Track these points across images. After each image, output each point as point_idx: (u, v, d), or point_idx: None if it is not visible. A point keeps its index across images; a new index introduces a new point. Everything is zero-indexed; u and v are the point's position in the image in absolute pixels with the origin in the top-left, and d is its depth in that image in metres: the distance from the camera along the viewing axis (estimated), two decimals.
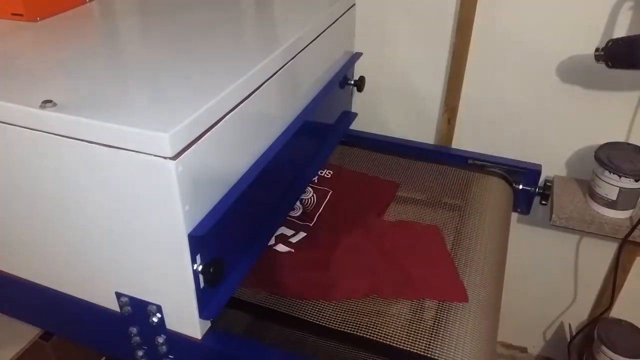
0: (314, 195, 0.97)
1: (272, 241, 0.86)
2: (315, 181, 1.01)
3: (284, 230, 0.89)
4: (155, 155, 0.55)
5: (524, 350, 1.36)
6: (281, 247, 0.85)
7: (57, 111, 0.58)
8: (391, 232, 0.89)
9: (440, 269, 0.82)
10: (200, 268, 0.62)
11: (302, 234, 0.88)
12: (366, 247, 0.85)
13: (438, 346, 0.70)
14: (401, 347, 0.70)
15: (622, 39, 0.86)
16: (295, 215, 0.92)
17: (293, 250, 0.85)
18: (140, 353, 0.75)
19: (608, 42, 0.87)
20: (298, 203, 0.95)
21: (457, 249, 0.86)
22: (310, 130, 0.90)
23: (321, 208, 0.94)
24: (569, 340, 1.23)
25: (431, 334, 0.72)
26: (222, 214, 0.63)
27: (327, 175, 1.03)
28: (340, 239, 0.86)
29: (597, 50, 0.89)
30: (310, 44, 0.85)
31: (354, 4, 1.05)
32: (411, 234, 0.89)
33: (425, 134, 1.17)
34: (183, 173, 0.56)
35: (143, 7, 0.95)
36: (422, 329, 0.73)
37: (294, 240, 0.87)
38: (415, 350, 0.70)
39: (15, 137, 0.61)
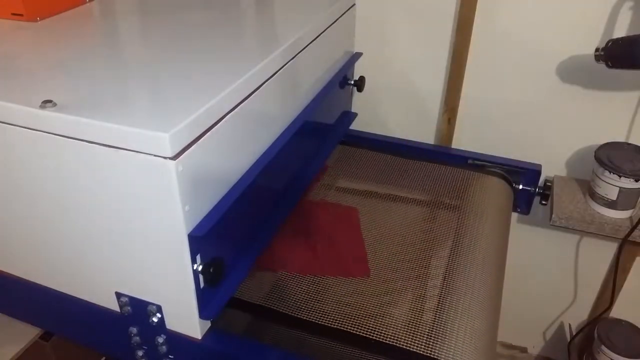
0: None
1: None
2: None
3: None
4: (155, 155, 0.55)
5: (524, 350, 1.36)
6: None
7: (57, 111, 0.58)
8: (313, 212, 0.95)
9: (349, 247, 0.87)
10: (200, 268, 0.62)
11: None
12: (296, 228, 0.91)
13: (438, 346, 0.70)
14: (401, 346, 0.70)
15: (622, 39, 0.86)
16: None
17: None
18: (140, 353, 0.75)
19: (608, 42, 0.87)
20: None
21: (457, 249, 0.86)
22: (310, 130, 0.90)
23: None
24: (569, 340, 1.23)
25: (431, 333, 0.72)
26: (222, 214, 0.63)
27: None
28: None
29: (597, 50, 0.89)
30: (310, 44, 0.85)
31: (354, 4, 1.05)
32: (331, 215, 0.95)
33: (425, 134, 1.17)
34: (183, 173, 0.56)
35: (143, 7, 0.95)
36: (422, 328, 0.73)
37: None
38: (415, 350, 0.70)
39: (15, 137, 0.61)
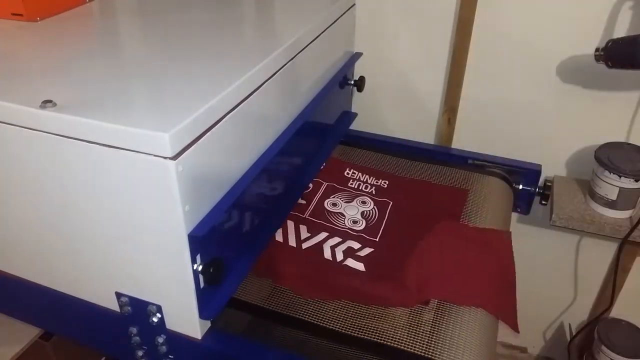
0: (375, 207, 0.94)
1: (341, 256, 0.83)
2: (373, 192, 0.98)
3: (350, 244, 0.86)
4: (155, 155, 0.55)
5: (524, 350, 1.36)
6: (352, 262, 0.82)
7: (57, 111, 0.58)
8: (460, 236, 0.87)
9: (497, 283, 0.80)
10: (200, 268, 0.62)
11: (369, 249, 0.85)
12: (433, 253, 0.83)
13: (438, 347, 0.70)
14: (401, 347, 0.70)
15: (622, 39, 0.86)
16: (359, 228, 0.89)
17: (365, 267, 0.81)
18: (140, 353, 0.75)
19: (608, 42, 0.87)
20: (359, 216, 0.92)
21: None
22: (310, 130, 0.90)
23: (384, 221, 0.91)
24: (569, 340, 1.23)
25: (431, 334, 0.72)
26: (222, 214, 0.63)
27: (384, 185, 1.00)
28: (408, 251, 0.83)
29: (597, 50, 0.89)
30: (310, 44, 0.85)
31: (354, 4, 1.05)
32: (482, 240, 0.86)
33: (425, 134, 1.17)
34: (183, 173, 0.56)
35: (143, 7, 0.95)
36: (422, 329, 0.73)
37: (362, 254, 0.84)
38: (414, 351, 0.70)
39: (15, 137, 0.61)
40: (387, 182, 1.01)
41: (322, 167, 1.03)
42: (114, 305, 0.72)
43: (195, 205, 0.60)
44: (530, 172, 1.07)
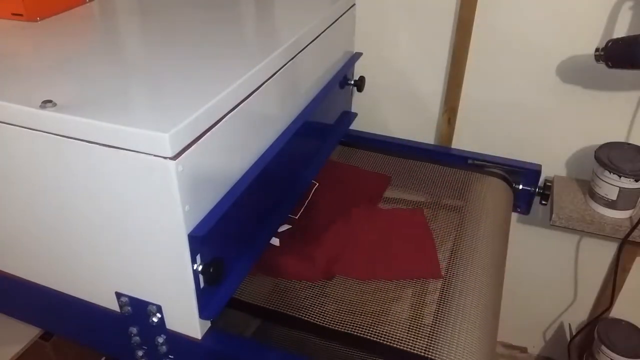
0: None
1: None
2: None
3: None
4: (155, 155, 0.55)
5: (524, 350, 1.36)
6: (273, 240, 0.87)
7: (57, 111, 0.58)
8: (375, 218, 0.91)
9: (420, 250, 0.85)
10: (200, 268, 0.62)
11: (286, 226, 0.90)
12: (347, 233, 0.88)
13: (438, 346, 0.70)
14: (401, 347, 0.70)
15: (622, 39, 0.86)
16: None
17: (278, 240, 0.87)
18: (140, 353, 0.75)
19: (608, 42, 0.87)
20: None
21: (457, 249, 0.86)
22: (310, 130, 0.90)
23: (306, 201, 0.95)
24: (569, 340, 1.23)
25: (431, 334, 0.72)
26: (222, 214, 0.63)
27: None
28: (323, 230, 0.88)
29: (597, 50, 0.89)
30: (310, 44, 0.85)
31: (354, 4, 1.05)
32: (395, 219, 0.92)
33: (425, 134, 1.17)
34: (183, 173, 0.56)
35: (143, 7, 0.95)
36: (422, 329, 0.73)
37: (279, 230, 0.89)
38: (414, 351, 0.70)
39: (15, 137, 0.61)
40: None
41: None
42: (114, 305, 0.71)
43: (195, 205, 0.60)
44: (530, 172, 1.07)
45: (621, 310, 1.15)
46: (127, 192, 0.59)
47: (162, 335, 0.70)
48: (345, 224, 0.89)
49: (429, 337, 0.72)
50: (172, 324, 0.69)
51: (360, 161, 1.09)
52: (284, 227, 0.89)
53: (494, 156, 1.09)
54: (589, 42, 0.94)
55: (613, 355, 1.07)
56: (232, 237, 0.69)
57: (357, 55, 1.10)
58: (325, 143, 1.02)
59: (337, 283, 0.81)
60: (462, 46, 1.03)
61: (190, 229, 0.60)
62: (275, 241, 0.87)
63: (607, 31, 0.93)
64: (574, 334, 1.23)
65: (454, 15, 1.02)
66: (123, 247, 0.65)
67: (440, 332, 0.72)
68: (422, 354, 0.69)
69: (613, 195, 0.94)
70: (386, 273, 0.82)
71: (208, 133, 0.60)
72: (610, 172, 0.92)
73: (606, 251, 1.13)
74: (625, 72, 0.94)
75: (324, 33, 0.90)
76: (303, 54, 0.82)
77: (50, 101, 0.58)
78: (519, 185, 1.07)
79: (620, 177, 0.91)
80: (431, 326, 0.73)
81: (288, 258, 0.83)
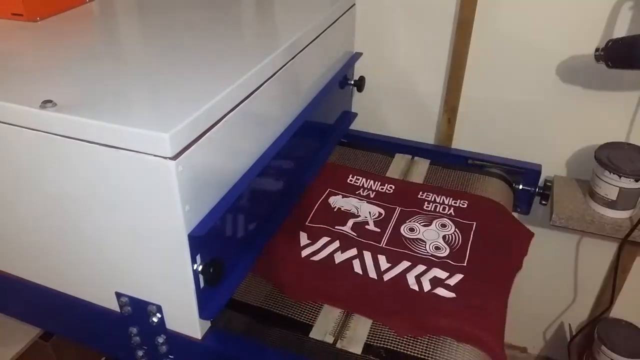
0: (456, 230, 0.88)
1: (429, 286, 0.77)
2: (453, 214, 0.91)
3: (436, 272, 0.79)
4: (155, 155, 0.55)
5: (524, 350, 1.36)
6: (442, 292, 0.76)
7: (57, 111, 0.58)
8: None
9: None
10: (200, 268, 0.62)
11: (459, 276, 0.78)
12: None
13: (438, 347, 0.70)
14: (401, 349, 0.70)
15: (622, 39, 0.86)
16: (443, 255, 0.82)
17: (455, 295, 0.75)
18: (140, 353, 0.75)
19: (608, 42, 0.87)
20: (442, 242, 0.85)
21: None
22: (310, 130, 0.90)
23: (469, 244, 0.85)
24: (569, 340, 1.23)
25: (431, 335, 0.72)
26: (222, 214, 0.63)
27: (463, 205, 0.93)
28: (499, 284, 0.78)
29: (597, 50, 0.89)
30: (310, 44, 0.85)
31: (354, 4, 1.05)
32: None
33: (425, 134, 1.17)
34: (183, 173, 0.56)
35: (143, 7, 0.95)
36: None
37: (451, 282, 0.77)
38: (415, 354, 0.70)
39: (15, 137, 0.61)
40: (466, 202, 0.94)
41: (390, 191, 0.96)
42: (114, 305, 0.71)
43: (195, 205, 0.60)
44: (530, 172, 1.07)
45: (621, 310, 1.15)
46: (127, 192, 0.59)
47: (162, 335, 0.71)
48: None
49: (428, 337, 0.72)
50: (172, 324, 0.69)
51: (361, 161, 1.09)
52: (457, 278, 0.78)
53: (494, 156, 1.09)
54: (589, 42, 0.94)
55: (613, 355, 1.07)
56: (232, 237, 0.69)
57: (357, 55, 1.10)
58: (325, 143, 1.02)
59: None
60: (462, 46, 1.03)
61: (190, 229, 0.60)
62: (445, 293, 0.75)
63: (607, 31, 0.93)
64: (574, 334, 1.22)
65: (454, 15, 1.02)
66: (123, 247, 0.65)
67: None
68: (422, 356, 0.69)
69: (613, 195, 0.94)
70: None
71: (208, 133, 0.60)
72: (610, 172, 0.92)
73: (606, 251, 1.13)
74: (625, 72, 0.94)
75: (324, 33, 0.90)
76: (303, 54, 0.82)
77: (50, 101, 0.58)
78: (519, 185, 1.07)
79: (620, 177, 0.91)
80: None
81: (474, 318, 0.72)
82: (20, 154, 0.63)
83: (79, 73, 0.68)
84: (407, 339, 0.71)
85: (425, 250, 0.83)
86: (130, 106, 0.60)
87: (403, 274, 0.79)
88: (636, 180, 0.91)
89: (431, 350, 0.70)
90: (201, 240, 0.60)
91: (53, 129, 0.58)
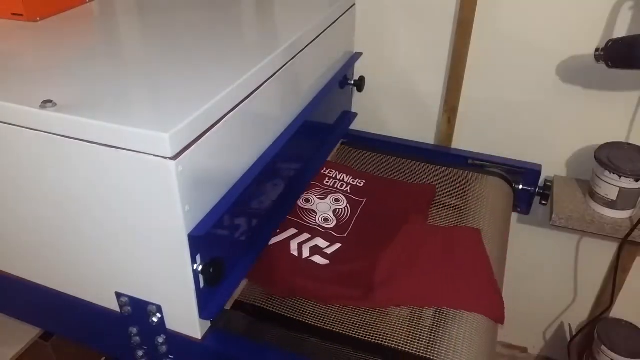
0: (348, 205, 0.94)
1: (307, 253, 0.83)
2: (348, 191, 0.98)
3: (318, 241, 0.86)
4: (155, 155, 0.55)
5: (524, 350, 1.36)
6: (318, 259, 0.82)
7: (57, 111, 0.58)
8: (428, 237, 0.86)
9: (480, 279, 0.79)
10: (200, 268, 0.62)
11: (337, 245, 0.85)
12: (401, 255, 0.82)
13: (437, 347, 0.70)
14: (401, 348, 0.70)
15: (622, 39, 0.86)
16: (329, 226, 0.89)
17: (329, 262, 0.82)
18: (140, 353, 0.75)
19: (608, 42, 0.87)
20: (332, 214, 0.91)
21: None
22: (310, 130, 0.90)
23: (355, 218, 0.91)
24: (569, 340, 1.23)
25: (431, 334, 0.72)
26: (222, 214, 0.63)
27: (360, 184, 1.00)
28: (376, 249, 0.83)
29: (597, 50, 0.89)
30: (310, 44, 0.85)
31: (354, 4, 1.05)
32: (451, 239, 0.86)
33: (425, 134, 1.17)
34: (183, 173, 0.56)
35: (143, 7, 0.95)
36: (422, 329, 0.73)
37: (329, 251, 0.84)
38: (414, 352, 0.70)
39: (15, 137, 0.61)
40: (363, 181, 1.01)
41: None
42: (114, 305, 0.72)
43: (195, 205, 0.60)
44: (530, 172, 1.07)
45: (621, 310, 1.15)
46: (127, 192, 0.59)
47: (162, 335, 0.71)
48: (396, 243, 0.84)
49: (428, 337, 0.72)
50: (172, 324, 0.69)
51: (361, 161, 1.09)
52: (335, 247, 0.85)
53: (494, 156, 1.09)
54: (589, 42, 0.94)
55: (613, 355, 1.07)
56: (232, 237, 0.69)
57: (357, 55, 1.10)
58: (325, 143, 1.02)
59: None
60: (462, 46, 1.03)
61: (190, 229, 0.60)
62: (320, 260, 0.82)
63: (607, 31, 0.93)
64: (574, 334, 1.23)
65: (454, 15, 1.02)
66: (123, 247, 0.65)
67: (440, 332, 0.72)
68: (422, 354, 0.69)
69: (613, 195, 0.94)
70: (444, 302, 0.75)
71: (208, 133, 0.60)
72: (610, 172, 0.92)
73: (606, 251, 1.13)
74: (625, 72, 0.94)
75: (324, 33, 0.90)
76: (303, 54, 0.82)
77: (50, 101, 0.58)
78: (519, 185, 1.07)
79: (620, 177, 0.91)
80: (431, 326, 0.73)
81: (341, 282, 0.78)
82: (20, 154, 0.63)
83: (79, 73, 0.68)
84: (407, 336, 0.71)
85: (315, 220, 0.90)
86: (130, 106, 0.60)
87: (287, 240, 0.85)
88: (636, 180, 0.91)
89: (431, 349, 0.70)
90: (201, 240, 0.60)
91: (53, 129, 0.58)
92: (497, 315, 0.76)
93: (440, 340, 0.71)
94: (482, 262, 0.82)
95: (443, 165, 1.07)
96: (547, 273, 1.22)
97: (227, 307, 0.76)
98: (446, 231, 0.88)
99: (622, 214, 0.96)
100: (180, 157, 0.55)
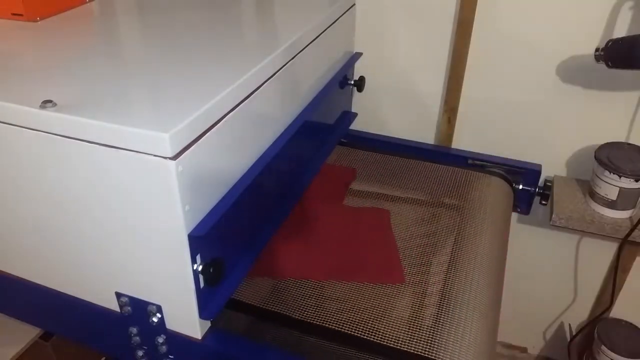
0: None
1: None
2: None
3: None
4: (155, 155, 0.55)
5: (524, 350, 1.36)
6: None
7: (57, 111, 0.58)
8: (341, 217, 0.93)
9: (382, 252, 0.86)
10: (200, 268, 0.62)
11: None
12: (315, 234, 0.89)
13: (437, 347, 0.70)
14: (401, 348, 0.70)
15: (622, 39, 0.86)
16: None
17: None
18: (140, 353, 0.75)
19: (608, 42, 0.87)
20: None
21: (457, 249, 0.86)
22: (310, 130, 0.90)
23: None
24: (569, 340, 1.23)
25: (431, 334, 0.72)
26: (222, 214, 0.63)
27: None
28: (292, 229, 0.89)
29: (597, 50, 0.89)
30: (310, 44, 0.85)
31: (354, 4, 1.05)
32: (361, 219, 0.93)
33: (425, 134, 1.17)
34: (183, 173, 0.56)
35: (143, 7, 0.95)
36: (422, 329, 0.73)
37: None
38: (415, 351, 0.70)
39: (15, 137, 0.61)
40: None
41: None
42: (114, 305, 0.71)
43: (195, 205, 0.60)
44: (530, 172, 1.07)
45: (621, 310, 1.15)
46: (127, 192, 0.59)
47: (162, 335, 0.71)
48: (310, 221, 0.90)
49: (428, 337, 0.72)
50: (172, 324, 0.69)
51: (361, 161, 1.09)
52: None
53: (494, 156, 1.09)
54: (589, 42, 0.94)
55: (613, 355, 1.07)
56: (232, 237, 0.69)
57: (357, 55, 1.10)
58: (325, 143, 1.02)
59: (336, 283, 0.81)
60: (462, 46, 1.03)
61: (190, 229, 0.60)
62: None
63: (607, 31, 0.93)
64: (574, 334, 1.23)
65: (454, 15, 1.02)
66: (123, 247, 0.65)
67: (440, 332, 0.72)
68: (422, 353, 0.69)
69: (613, 195, 0.94)
70: (346, 276, 0.81)
71: (208, 133, 0.60)
72: (610, 172, 0.92)
73: (606, 251, 1.13)
74: (625, 72, 0.94)
75: (324, 33, 0.90)
76: (303, 54, 0.82)
77: (50, 101, 0.58)
78: (519, 185, 1.07)
79: (620, 177, 0.91)
80: (431, 326, 0.73)
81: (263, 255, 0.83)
82: (20, 154, 0.63)
83: (79, 73, 0.68)
84: (407, 335, 0.71)
85: None
86: (130, 106, 0.60)
87: None
88: (636, 180, 0.91)
89: (431, 349, 0.70)
90: (201, 240, 0.60)
91: (53, 129, 0.58)
92: (395, 278, 0.81)
93: (440, 340, 0.71)
94: (387, 239, 0.88)
95: (443, 165, 1.07)
96: (547, 273, 1.22)
97: (227, 307, 0.75)
98: (357, 211, 0.95)
99: (622, 214, 0.96)
100: (180, 157, 0.55)
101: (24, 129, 0.60)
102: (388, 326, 0.74)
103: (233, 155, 0.67)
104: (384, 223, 0.92)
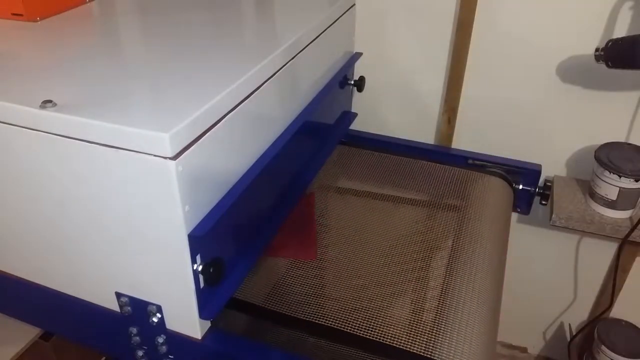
0: None
1: None
2: None
3: None
4: (155, 155, 0.55)
5: (524, 350, 1.36)
6: None
7: (57, 111, 0.58)
8: None
9: (302, 231, 0.91)
10: (200, 268, 0.62)
11: None
12: None
13: (438, 346, 0.70)
14: (401, 347, 0.70)
15: (622, 39, 0.86)
16: None
17: None
18: (140, 353, 0.75)
19: (608, 42, 0.87)
20: None
21: (457, 248, 0.86)
22: (310, 130, 0.90)
23: None
24: (569, 340, 1.23)
25: (431, 334, 0.72)
26: (222, 214, 0.63)
27: None
28: None
29: (597, 50, 0.89)
30: (310, 44, 0.85)
31: (354, 4, 1.05)
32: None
33: (425, 134, 1.17)
34: (183, 173, 0.56)
35: (143, 7, 0.95)
36: (422, 329, 0.73)
37: None
38: (415, 351, 0.70)
39: (15, 137, 0.61)
40: None
41: None
42: (114, 305, 0.72)
43: (195, 205, 0.60)
44: (530, 172, 1.07)
45: (621, 310, 1.15)
46: (127, 192, 0.59)
47: (162, 335, 0.71)
48: None
49: (428, 336, 0.72)
50: (172, 324, 0.69)
51: (360, 161, 1.09)
52: None
53: (494, 156, 1.09)
54: (589, 42, 0.94)
55: (613, 355, 1.07)
56: (232, 237, 0.69)
57: (357, 55, 1.10)
58: (325, 143, 1.02)
59: (336, 283, 0.81)
60: (462, 46, 1.03)
61: (190, 229, 0.60)
62: None
63: (607, 31, 0.93)
64: (574, 334, 1.23)
65: (454, 16, 1.02)
66: (123, 247, 0.65)
67: (440, 331, 0.72)
68: (422, 353, 0.69)
69: (613, 195, 0.94)
70: (271, 252, 0.86)
71: (208, 133, 0.60)
72: (610, 172, 0.92)
73: (606, 251, 1.14)
74: (625, 72, 0.94)
75: (323, 33, 0.90)
76: (303, 54, 0.82)
77: (50, 101, 0.58)
78: (519, 185, 1.07)
79: (620, 177, 0.91)
80: (431, 326, 0.73)
81: None
82: (20, 154, 0.63)
83: (79, 73, 0.68)
84: (407, 335, 0.71)
85: None
86: (130, 106, 0.60)
87: None
88: (636, 180, 0.91)
89: (431, 349, 0.70)
90: (201, 240, 0.60)
91: (53, 129, 0.58)
92: (308, 255, 0.86)
93: (441, 340, 0.71)
94: (309, 220, 0.94)
95: (443, 165, 1.07)
96: (547, 273, 1.22)
97: (227, 306, 0.75)
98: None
99: (622, 214, 0.96)
100: (180, 157, 0.55)
101: (24, 129, 0.60)
102: (388, 325, 0.74)
103: (233, 155, 0.67)
104: (309, 206, 0.97)
